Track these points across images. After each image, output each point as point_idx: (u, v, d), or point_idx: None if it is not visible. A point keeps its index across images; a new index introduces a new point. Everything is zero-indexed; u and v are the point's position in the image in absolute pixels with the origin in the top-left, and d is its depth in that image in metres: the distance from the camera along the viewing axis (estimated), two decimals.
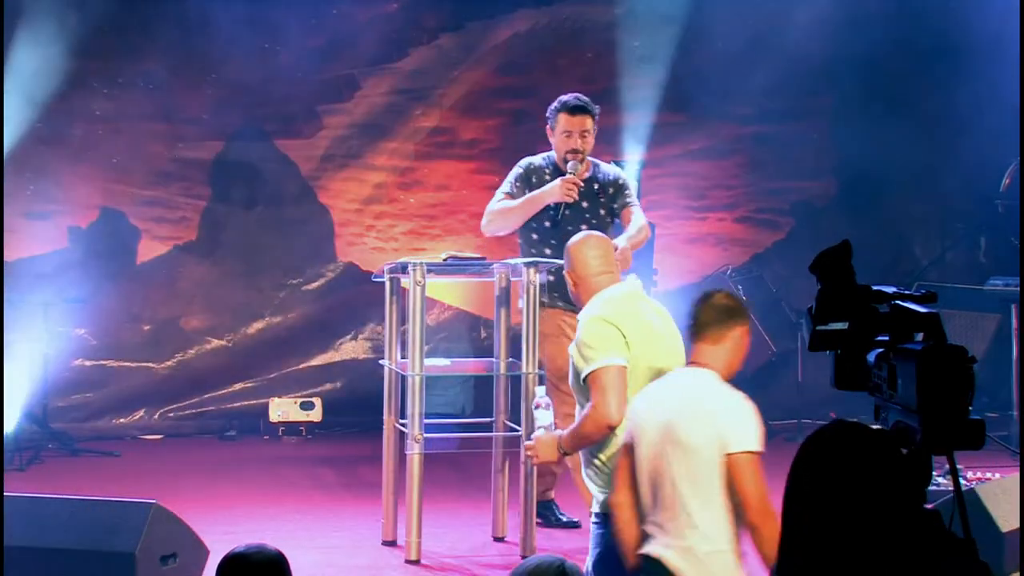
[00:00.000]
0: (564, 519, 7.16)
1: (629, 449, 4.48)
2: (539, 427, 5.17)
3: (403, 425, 6.69)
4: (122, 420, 9.87)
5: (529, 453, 5.11)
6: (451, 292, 10.18)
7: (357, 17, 10.17)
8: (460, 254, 7.10)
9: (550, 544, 6.76)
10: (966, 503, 2.72)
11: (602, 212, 6.96)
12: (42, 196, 9.75)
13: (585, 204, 6.92)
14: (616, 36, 10.29)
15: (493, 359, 7.01)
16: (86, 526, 5.56)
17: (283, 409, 9.84)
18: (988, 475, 7.22)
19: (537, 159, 7.07)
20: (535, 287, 6.62)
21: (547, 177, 6.94)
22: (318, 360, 10.22)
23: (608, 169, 7.11)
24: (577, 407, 4.90)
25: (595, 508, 4.83)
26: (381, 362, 7.12)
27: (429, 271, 6.65)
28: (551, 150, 7.07)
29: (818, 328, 2.71)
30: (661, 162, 10.12)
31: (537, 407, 5.26)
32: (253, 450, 9.47)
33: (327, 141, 10.27)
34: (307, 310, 10.22)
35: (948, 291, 8.98)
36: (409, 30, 10.30)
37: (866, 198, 10.55)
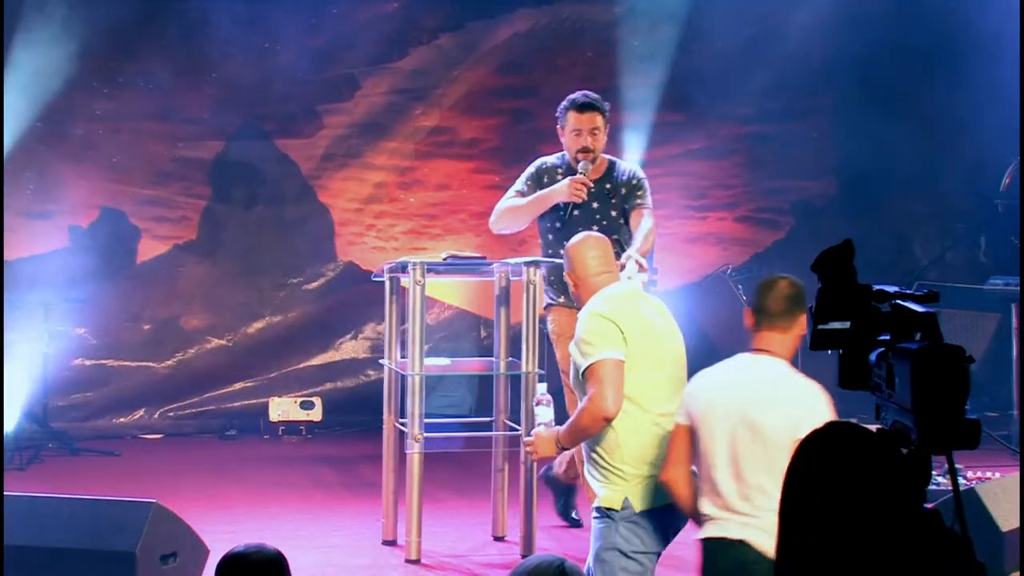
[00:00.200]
0: (572, 516, 7.12)
1: (688, 430, 4.52)
2: (540, 424, 5.18)
3: (403, 424, 6.69)
4: (122, 419, 9.87)
5: (528, 449, 5.12)
6: (451, 292, 10.18)
7: (357, 17, 10.16)
8: (460, 254, 7.10)
9: (550, 544, 6.76)
10: (966, 503, 2.72)
11: (613, 214, 6.77)
12: (42, 196, 9.75)
13: (595, 205, 6.76)
14: (616, 36, 10.29)
15: (493, 359, 7.01)
16: (86, 526, 5.56)
17: (283, 408, 9.84)
18: (988, 475, 7.22)
19: (551, 158, 6.91)
20: (535, 287, 6.62)
21: (559, 176, 6.79)
22: (318, 360, 10.22)
23: (625, 168, 6.91)
24: (579, 404, 4.91)
25: (597, 503, 4.84)
26: (381, 362, 7.12)
27: (429, 270, 6.65)
28: (563, 150, 6.90)
29: (819, 327, 2.71)
30: (661, 162, 10.11)
31: (538, 404, 5.27)
32: (253, 450, 9.47)
33: (327, 141, 10.27)
34: (307, 310, 10.22)
35: (948, 291, 8.97)
36: (409, 30, 10.31)
37: (866, 198, 10.55)
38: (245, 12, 9.77)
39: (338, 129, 10.27)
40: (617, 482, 4.76)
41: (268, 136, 10.21)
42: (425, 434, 6.55)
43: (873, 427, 2.63)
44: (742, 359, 4.56)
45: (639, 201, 6.80)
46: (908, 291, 2.72)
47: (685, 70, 10.18)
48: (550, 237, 6.79)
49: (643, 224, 6.68)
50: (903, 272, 10.26)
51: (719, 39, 10.17)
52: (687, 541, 6.36)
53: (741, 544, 4.33)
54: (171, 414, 9.98)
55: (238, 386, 10.07)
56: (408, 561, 6.56)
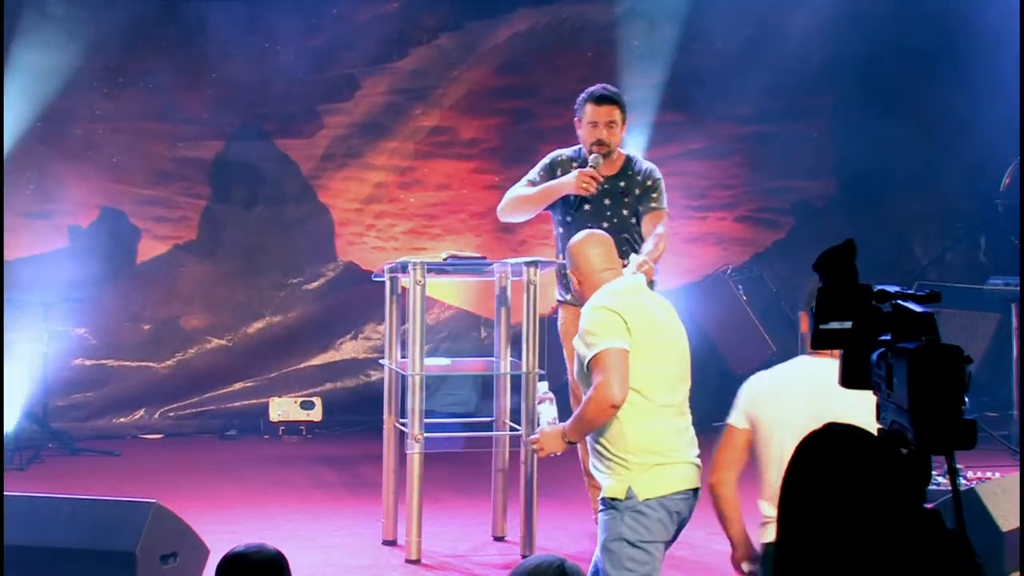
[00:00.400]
0: None
1: (746, 434, 4.58)
2: (544, 421, 5.17)
3: (403, 424, 6.69)
4: (122, 419, 9.87)
5: (535, 446, 5.08)
6: (451, 292, 10.18)
7: (357, 17, 10.17)
8: (460, 254, 7.10)
9: (550, 544, 6.76)
10: (966, 503, 2.73)
11: (625, 212, 6.67)
12: (42, 196, 9.76)
13: (607, 202, 6.67)
14: (616, 35, 10.29)
15: (493, 359, 7.02)
16: (86, 526, 5.56)
17: (283, 408, 9.84)
18: (988, 475, 7.21)
19: (567, 151, 6.81)
20: (535, 287, 6.62)
21: (573, 169, 6.68)
22: (318, 360, 10.22)
23: (643, 166, 6.79)
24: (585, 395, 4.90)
25: (602, 494, 4.83)
26: (381, 362, 7.12)
27: (429, 271, 6.65)
28: (579, 144, 6.79)
29: (820, 327, 2.72)
30: (661, 162, 10.00)
31: (541, 402, 5.27)
32: (253, 450, 9.47)
33: (327, 141, 10.27)
34: (307, 310, 10.22)
35: (948, 291, 8.97)
36: (409, 30, 10.31)
37: (866, 198, 10.55)
38: (245, 12, 9.77)
39: (338, 129, 10.27)
40: (621, 472, 4.75)
41: (268, 136, 10.21)
42: (425, 434, 6.55)
43: (865, 429, 2.63)
44: (804, 362, 4.61)
45: (654, 204, 6.71)
46: (909, 291, 2.72)
47: (685, 70, 10.18)
48: (560, 231, 6.72)
49: (656, 230, 6.59)
50: (903, 272, 10.26)
51: (719, 39, 10.18)
52: (688, 541, 6.37)
53: None
54: (171, 414, 9.98)
55: (238, 386, 10.08)
56: (408, 561, 6.56)
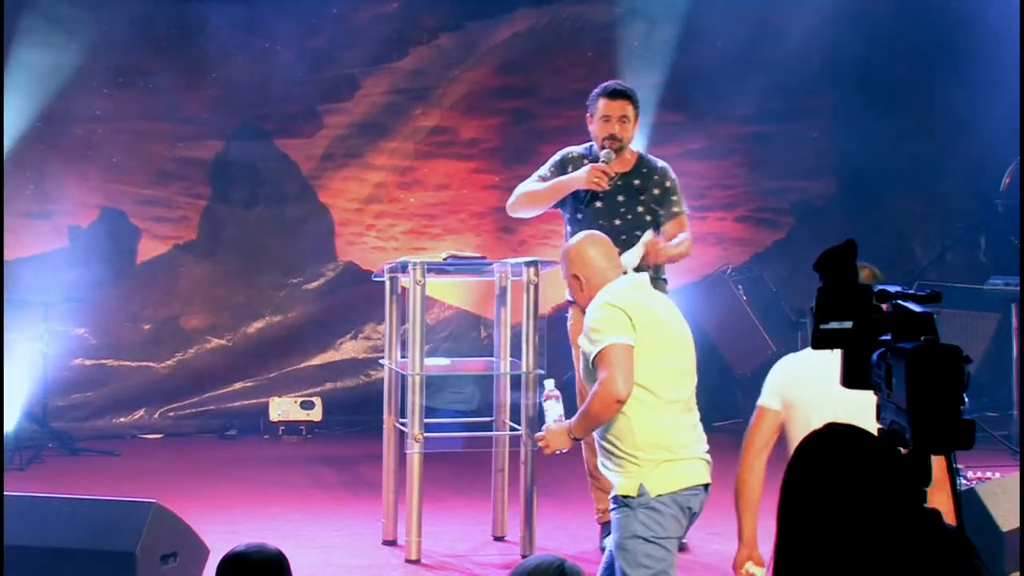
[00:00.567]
0: None
1: (777, 416, 4.60)
2: (550, 419, 5.14)
3: (403, 424, 6.69)
4: (122, 419, 9.87)
5: (541, 444, 5.06)
6: (451, 292, 10.18)
7: (357, 17, 10.17)
8: (460, 253, 7.09)
9: (550, 544, 6.76)
10: (966, 503, 2.73)
11: (640, 210, 6.63)
12: (42, 196, 9.76)
13: (621, 198, 6.61)
14: (616, 35, 10.29)
15: (493, 359, 7.01)
16: (86, 525, 5.56)
17: (283, 408, 9.84)
18: (988, 475, 7.21)
19: (577, 148, 6.76)
20: (535, 287, 6.61)
21: (584, 165, 6.62)
22: (318, 359, 10.22)
23: (657, 165, 6.74)
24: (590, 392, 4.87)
25: (613, 492, 4.81)
26: (381, 362, 7.12)
27: (429, 270, 6.65)
28: (590, 141, 6.75)
29: (820, 327, 2.72)
30: None
31: (547, 399, 5.23)
32: (253, 449, 9.47)
33: (327, 140, 10.27)
34: (307, 309, 10.22)
35: (948, 291, 8.96)
36: (409, 30, 10.31)
37: (866, 198, 10.55)
38: (245, 12, 9.77)
39: (338, 129, 10.27)
40: (632, 469, 4.74)
41: (268, 136, 10.21)
42: (425, 434, 6.55)
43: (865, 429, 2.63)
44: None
45: (676, 209, 6.69)
46: (909, 291, 2.72)
47: (685, 70, 10.17)
48: (570, 228, 6.67)
49: (681, 236, 6.60)
50: (903, 272, 10.26)
51: (719, 39, 10.17)
52: (688, 541, 6.37)
53: None
54: (171, 414, 9.98)
55: (238, 386, 10.08)
56: (408, 561, 6.56)
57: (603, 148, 6.59)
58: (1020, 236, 9.19)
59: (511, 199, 6.78)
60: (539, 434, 5.12)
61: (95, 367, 9.83)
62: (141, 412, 9.92)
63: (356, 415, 9.89)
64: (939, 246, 10.72)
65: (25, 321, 9.13)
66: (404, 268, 6.64)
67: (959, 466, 5.40)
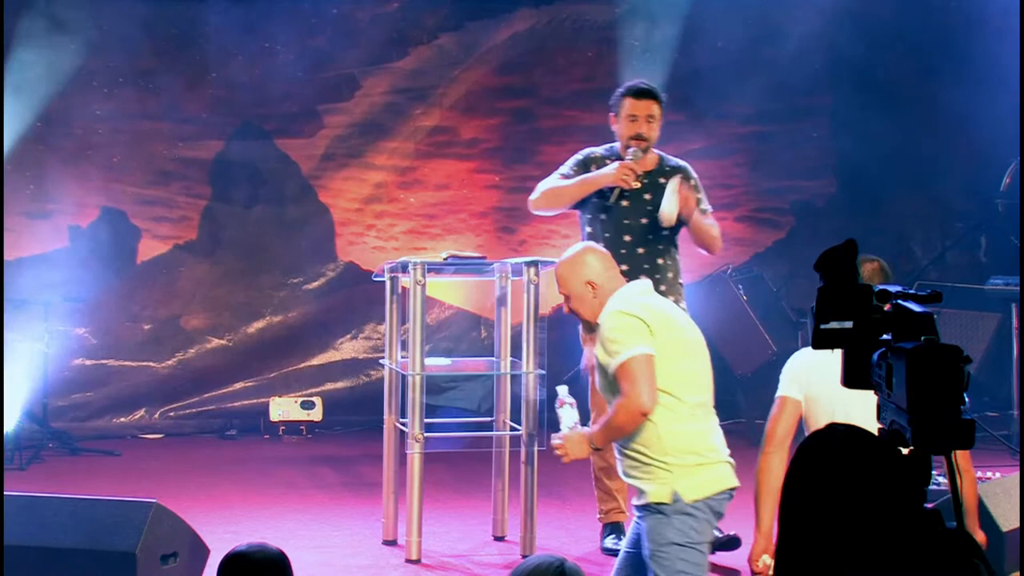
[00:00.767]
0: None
1: (798, 404, 4.65)
2: (565, 426, 5.09)
3: (403, 424, 6.68)
4: (122, 419, 9.88)
5: (559, 452, 4.99)
6: (451, 292, 10.18)
7: (357, 17, 10.17)
8: (460, 253, 7.09)
9: (550, 544, 6.76)
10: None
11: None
12: (42, 196, 9.76)
13: (647, 196, 6.57)
14: (616, 35, 10.29)
15: (494, 358, 7.01)
16: (86, 525, 5.56)
17: (283, 408, 9.84)
18: (988, 475, 7.22)
19: (599, 149, 6.73)
20: (535, 287, 6.61)
21: (607, 165, 6.60)
22: (318, 359, 10.22)
23: (677, 164, 6.71)
24: (612, 404, 4.83)
25: (642, 501, 4.78)
26: (382, 362, 7.12)
27: (429, 270, 6.65)
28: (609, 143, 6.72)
29: (821, 326, 2.72)
30: None
31: (561, 405, 5.19)
32: (253, 449, 9.48)
33: (327, 140, 10.27)
34: (307, 309, 10.23)
35: (948, 291, 8.98)
36: (409, 29, 10.31)
37: (866, 198, 10.55)
38: (245, 12, 9.77)
39: (338, 129, 10.28)
40: (663, 476, 4.71)
41: (268, 136, 10.22)
42: (425, 434, 6.55)
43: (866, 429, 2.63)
44: None
45: (702, 207, 6.67)
46: (910, 291, 2.72)
47: (685, 70, 10.17)
48: (589, 230, 6.62)
49: (711, 221, 6.61)
50: (903, 272, 10.26)
51: (719, 39, 10.17)
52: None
53: None
54: (171, 414, 9.98)
55: (238, 386, 10.08)
56: (408, 561, 6.56)
57: (628, 147, 6.56)
58: (1020, 236, 9.19)
59: (534, 195, 6.70)
60: (556, 441, 5.04)
61: (95, 367, 9.83)
62: (141, 412, 9.93)
63: (356, 415, 9.89)
64: (939, 246, 10.72)
65: (25, 321, 9.13)
66: (404, 268, 6.64)
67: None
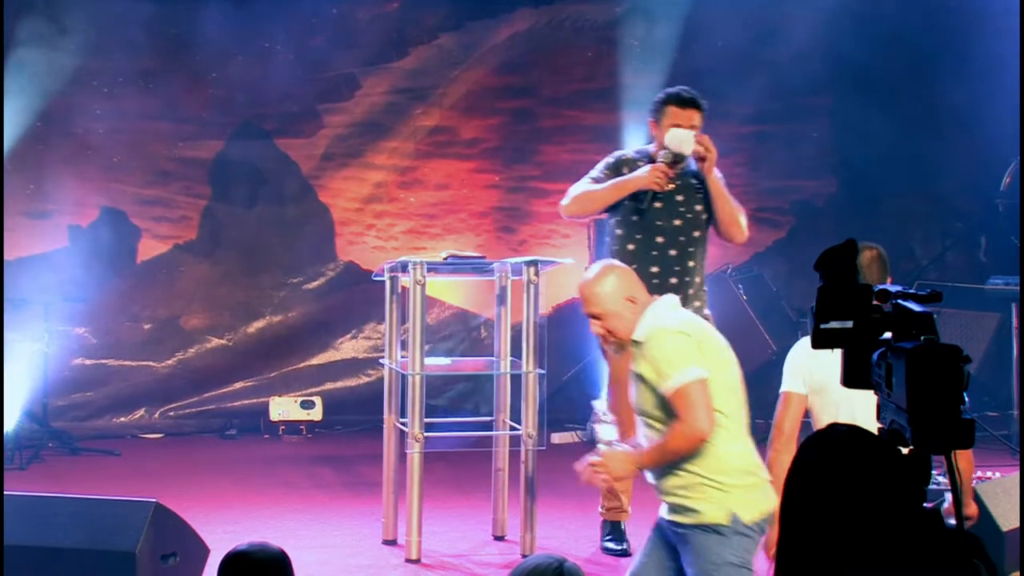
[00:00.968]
0: (624, 547, 6.67)
1: (803, 398, 4.68)
2: (603, 443, 4.98)
3: (403, 424, 6.69)
4: (122, 419, 9.87)
5: (601, 471, 4.86)
6: (451, 291, 10.18)
7: (357, 17, 10.17)
8: (460, 253, 7.09)
9: (550, 544, 6.76)
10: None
11: (698, 208, 6.57)
12: (42, 196, 9.76)
13: (680, 197, 6.56)
14: (616, 35, 10.29)
15: (494, 358, 7.01)
16: (86, 525, 5.56)
17: (283, 408, 9.84)
18: (988, 475, 7.22)
19: (629, 152, 6.72)
20: (535, 287, 6.61)
21: (640, 168, 6.56)
22: (318, 359, 10.22)
23: (696, 167, 6.67)
24: (652, 426, 4.77)
25: (696, 520, 4.70)
26: (382, 361, 7.13)
27: (429, 270, 6.65)
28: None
29: (821, 326, 2.72)
30: None
31: (598, 422, 5.11)
32: (253, 449, 9.47)
33: (327, 140, 10.27)
34: (307, 309, 10.22)
35: (948, 291, 8.96)
36: (409, 29, 10.31)
37: (866, 198, 10.55)
38: (245, 12, 9.77)
39: (338, 129, 10.27)
40: (716, 496, 4.66)
41: (268, 136, 10.21)
42: (425, 434, 6.55)
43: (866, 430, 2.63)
44: None
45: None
46: (910, 291, 2.72)
47: (685, 70, 10.16)
48: (619, 232, 6.58)
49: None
50: (903, 272, 10.25)
51: (719, 39, 10.17)
52: None
53: None
54: (171, 414, 9.98)
55: (238, 386, 10.08)
56: (408, 561, 6.56)
57: (662, 149, 6.52)
58: (1020, 236, 9.19)
59: (566, 200, 6.61)
60: (595, 459, 4.89)
61: (95, 367, 9.83)
62: (141, 412, 9.93)
63: (356, 415, 9.89)
64: (939, 246, 10.72)
65: (25, 321, 9.13)
66: (404, 268, 6.64)
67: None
